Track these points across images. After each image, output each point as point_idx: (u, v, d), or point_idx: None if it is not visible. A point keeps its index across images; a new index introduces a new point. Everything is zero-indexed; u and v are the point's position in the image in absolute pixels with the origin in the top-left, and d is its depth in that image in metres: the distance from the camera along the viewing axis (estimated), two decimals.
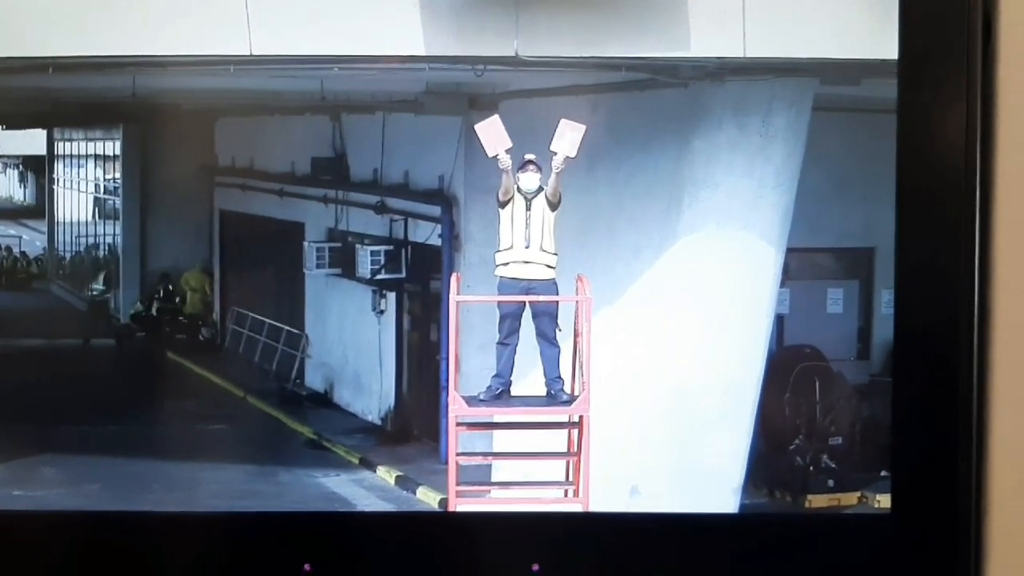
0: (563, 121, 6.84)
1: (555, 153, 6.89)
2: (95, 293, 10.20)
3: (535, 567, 4.51)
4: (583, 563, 4.57)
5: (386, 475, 8.93)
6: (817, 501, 8.12)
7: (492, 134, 6.91)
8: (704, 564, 4.55)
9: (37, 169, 11.28)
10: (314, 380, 10.07)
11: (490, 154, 6.93)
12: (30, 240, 11.07)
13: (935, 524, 4.31)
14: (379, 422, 9.64)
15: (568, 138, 6.82)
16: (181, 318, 10.35)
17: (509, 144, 6.91)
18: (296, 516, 5.20)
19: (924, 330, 4.34)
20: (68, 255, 11.22)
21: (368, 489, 8.75)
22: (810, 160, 7.85)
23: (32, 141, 11.03)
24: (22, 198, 11.41)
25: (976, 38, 4.31)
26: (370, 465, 9.04)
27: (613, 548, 4.57)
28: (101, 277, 10.25)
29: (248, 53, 6.59)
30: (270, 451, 8.99)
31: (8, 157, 11.10)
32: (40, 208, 11.22)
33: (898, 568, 4.38)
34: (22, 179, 11.44)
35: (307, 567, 4.52)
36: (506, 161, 6.95)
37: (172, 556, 4.56)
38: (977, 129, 4.30)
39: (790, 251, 7.94)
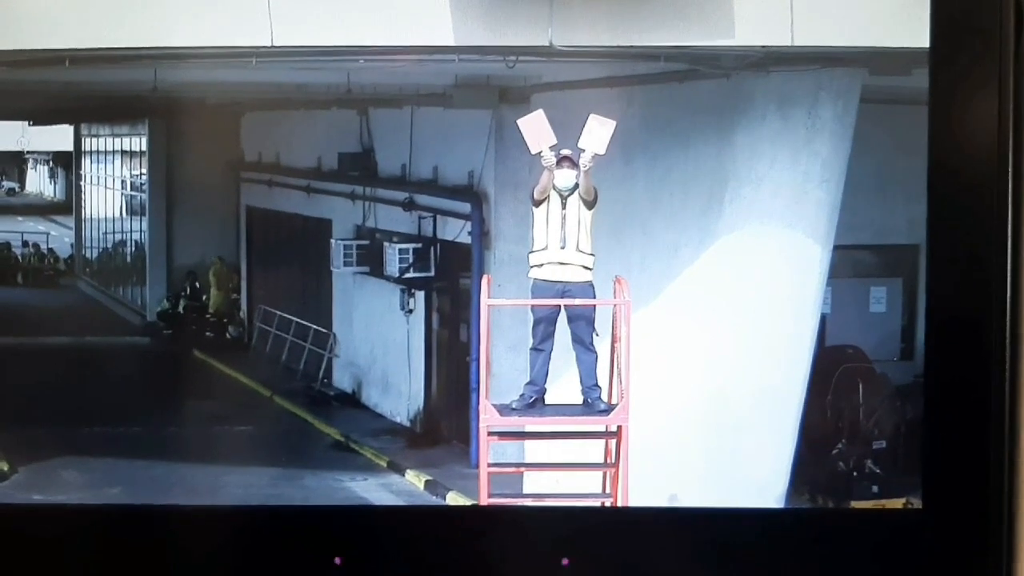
0: (592, 116, 6.50)
1: (583, 150, 6.60)
2: None
3: (565, 561, 4.49)
4: (612, 557, 4.53)
5: (415, 479, 8.83)
6: (861, 507, 7.92)
7: (536, 129, 6.56)
8: (734, 559, 4.49)
9: (66, 165, 11.36)
10: (342, 380, 10.04)
11: (533, 151, 6.59)
12: (58, 236, 11.12)
13: (966, 520, 4.30)
14: (407, 423, 9.58)
15: (597, 134, 6.49)
16: (207, 315, 10.38)
17: (554, 140, 6.56)
18: (328, 510, 5.23)
19: (956, 326, 4.29)
20: (95, 252, 11.31)
21: (396, 494, 8.66)
22: (852, 154, 7.62)
23: (62, 137, 11.09)
24: (52, 194, 11.50)
25: (1008, 30, 4.23)
26: (398, 468, 8.95)
27: (641, 542, 4.53)
28: None
29: (269, 44, 6.43)
30: (296, 453, 8.93)
31: (38, 153, 11.18)
32: (68, 204, 11.29)
33: (930, 563, 4.35)
34: (52, 175, 11.52)
35: (338, 560, 4.51)
36: (550, 158, 6.61)
37: (207, 548, 4.56)
38: (1009, 120, 4.23)
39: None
